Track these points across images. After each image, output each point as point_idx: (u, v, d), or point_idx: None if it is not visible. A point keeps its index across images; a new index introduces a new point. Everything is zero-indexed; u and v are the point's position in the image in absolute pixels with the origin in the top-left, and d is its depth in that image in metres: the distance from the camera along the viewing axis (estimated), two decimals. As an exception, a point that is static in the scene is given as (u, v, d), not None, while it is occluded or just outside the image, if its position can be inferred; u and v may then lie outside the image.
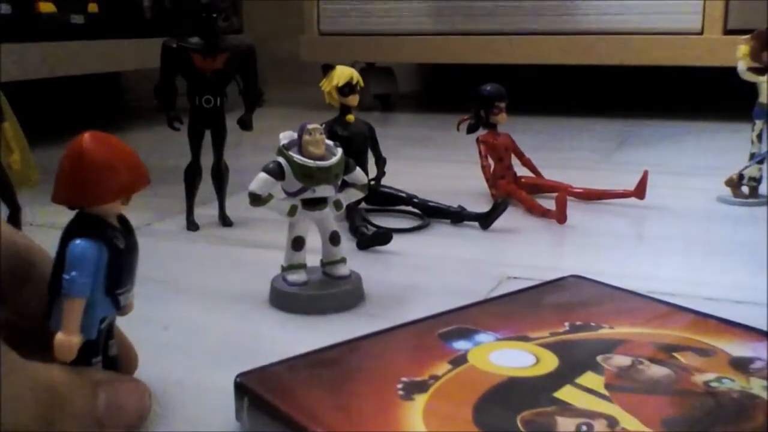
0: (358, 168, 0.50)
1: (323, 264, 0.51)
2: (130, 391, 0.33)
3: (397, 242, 0.62)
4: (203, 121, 0.66)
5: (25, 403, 0.27)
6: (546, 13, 1.38)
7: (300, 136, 0.47)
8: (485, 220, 0.67)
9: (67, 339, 0.30)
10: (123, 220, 0.33)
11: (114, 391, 0.31)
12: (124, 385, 0.32)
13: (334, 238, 0.50)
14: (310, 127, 0.47)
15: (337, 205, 0.50)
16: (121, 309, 0.33)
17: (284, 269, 0.50)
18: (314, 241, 0.50)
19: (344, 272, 0.50)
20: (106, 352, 0.34)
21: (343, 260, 0.51)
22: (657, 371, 0.34)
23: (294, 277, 0.49)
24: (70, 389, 0.29)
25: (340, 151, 0.48)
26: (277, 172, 0.47)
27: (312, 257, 0.50)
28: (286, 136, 0.48)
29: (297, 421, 0.30)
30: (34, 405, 0.28)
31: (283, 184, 0.48)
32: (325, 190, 0.48)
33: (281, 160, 0.47)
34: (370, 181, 0.59)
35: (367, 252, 0.61)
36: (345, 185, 0.50)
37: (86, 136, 0.31)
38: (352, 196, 0.51)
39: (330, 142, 0.49)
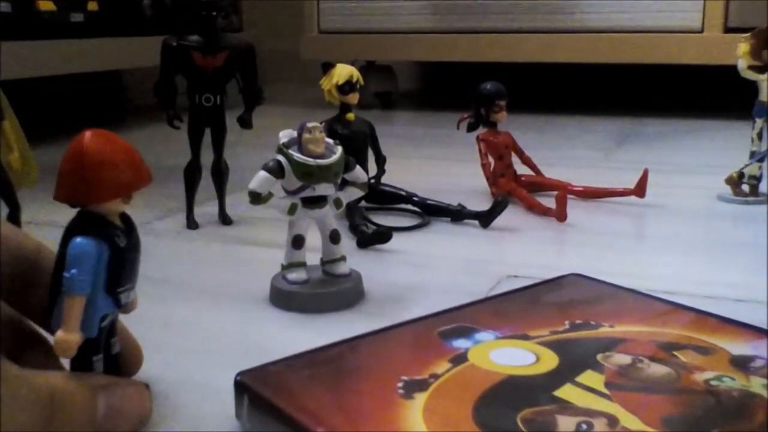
0: (358, 166, 0.50)
1: (323, 262, 0.51)
2: (130, 395, 0.32)
3: (397, 241, 0.62)
4: (203, 119, 0.66)
5: (25, 411, 0.27)
6: (546, 11, 1.38)
7: (300, 135, 0.47)
8: (485, 219, 0.67)
9: (67, 336, 0.30)
10: (126, 219, 0.33)
11: (114, 396, 0.31)
12: (124, 389, 0.32)
13: (333, 237, 0.50)
14: (310, 125, 0.47)
15: (337, 203, 0.50)
16: (122, 307, 0.33)
17: (284, 268, 0.50)
18: (314, 239, 0.50)
19: (344, 270, 0.50)
20: (108, 351, 0.34)
21: (342, 258, 0.51)
22: (657, 370, 0.34)
23: (294, 275, 0.49)
24: (70, 395, 0.29)
25: (339, 149, 0.48)
26: (276, 171, 0.47)
27: (312, 256, 0.50)
28: (285, 135, 0.48)
29: (297, 419, 0.30)
30: (34, 412, 0.28)
31: (283, 183, 0.48)
32: (324, 189, 0.48)
33: (281, 158, 0.47)
34: (370, 179, 0.59)
35: (367, 250, 0.61)
36: (345, 183, 0.50)
37: (88, 134, 0.31)
38: (352, 194, 0.51)
39: (330, 141, 0.49)
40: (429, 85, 2.03)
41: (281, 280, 0.49)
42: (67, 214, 0.32)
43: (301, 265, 0.49)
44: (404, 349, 0.37)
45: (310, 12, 1.55)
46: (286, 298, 0.49)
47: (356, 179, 0.50)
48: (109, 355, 0.34)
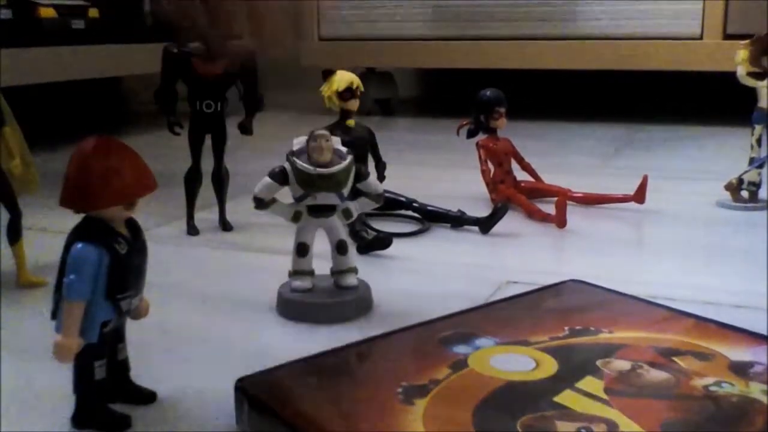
0: (372, 177, 0.49)
1: (333, 272, 0.50)
2: None
3: (397, 247, 0.62)
4: (204, 125, 0.66)
5: None
6: (546, 18, 1.38)
7: (308, 143, 0.47)
8: (485, 225, 0.67)
9: (65, 342, 0.30)
10: (132, 226, 0.33)
11: None
12: None
13: (340, 247, 0.49)
14: (316, 133, 0.47)
15: (346, 213, 0.48)
16: (125, 314, 0.33)
17: (291, 275, 0.49)
18: (325, 247, 0.50)
19: (351, 282, 0.49)
20: (114, 356, 0.34)
21: (350, 270, 0.50)
22: (656, 375, 0.34)
23: (298, 283, 0.49)
24: None
25: (349, 158, 0.47)
26: (279, 177, 0.47)
27: (323, 264, 0.50)
28: (299, 142, 0.48)
29: (297, 425, 0.30)
30: None
31: (290, 189, 0.48)
32: (326, 198, 0.47)
33: (287, 165, 0.47)
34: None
35: (367, 256, 0.61)
36: (358, 194, 0.49)
37: (92, 141, 0.31)
38: (365, 205, 0.49)
39: (343, 149, 0.48)
40: (429, 91, 2.03)
41: (286, 288, 0.49)
42: (67, 220, 0.32)
43: (306, 273, 0.49)
44: (404, 355, 0.38)
45: (310, 19, 1.55)
46: (288, 306, 0.48)
47: (370, 190, 0.49)
48: (115, 361, 0.34)
